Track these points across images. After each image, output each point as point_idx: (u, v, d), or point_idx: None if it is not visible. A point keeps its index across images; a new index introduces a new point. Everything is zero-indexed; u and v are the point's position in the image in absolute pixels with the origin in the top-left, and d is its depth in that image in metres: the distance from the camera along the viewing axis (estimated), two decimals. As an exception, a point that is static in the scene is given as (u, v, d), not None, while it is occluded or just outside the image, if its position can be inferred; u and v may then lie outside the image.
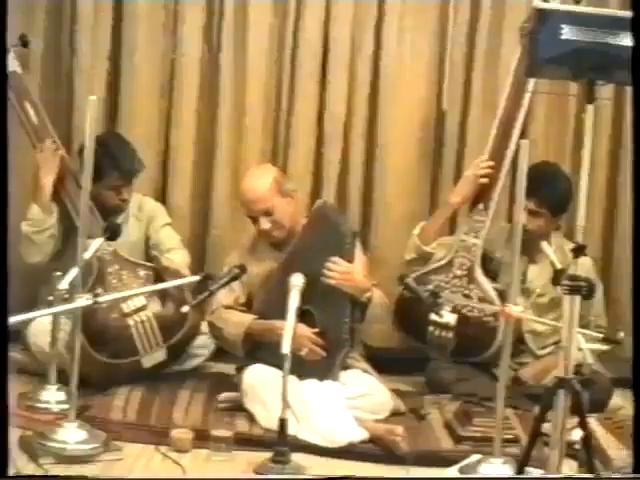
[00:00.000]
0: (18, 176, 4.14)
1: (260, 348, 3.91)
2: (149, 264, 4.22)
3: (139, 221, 4.36)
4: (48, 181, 4.08)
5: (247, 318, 3.98)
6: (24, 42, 4.06)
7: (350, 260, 3.94)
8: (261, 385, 3.77)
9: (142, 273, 4.15)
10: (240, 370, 3.96)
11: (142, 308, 4.07)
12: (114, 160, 4.12)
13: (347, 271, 3.90)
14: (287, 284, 3.71)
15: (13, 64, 3.97)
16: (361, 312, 3.99)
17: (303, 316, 3.82)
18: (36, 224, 4.08)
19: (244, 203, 4.07)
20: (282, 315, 3.62)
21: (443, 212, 4.41)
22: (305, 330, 3.83)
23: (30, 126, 4.10)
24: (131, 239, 4.25)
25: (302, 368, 3.73)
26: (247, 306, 4.07)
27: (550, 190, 4.20)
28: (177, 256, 4.28)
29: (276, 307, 3.75)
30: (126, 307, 4.04)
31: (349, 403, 3.71)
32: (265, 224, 3.98)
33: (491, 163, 4.24)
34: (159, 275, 4.14)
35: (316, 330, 3.86)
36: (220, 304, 4.03)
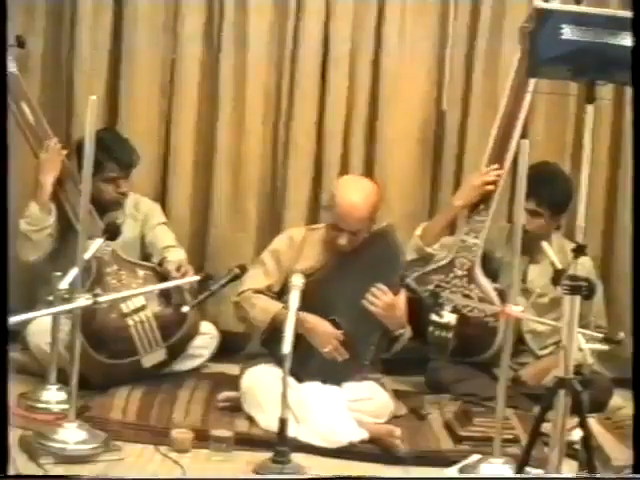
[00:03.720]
0: (18, 176, 4.15)
1: (277, 341, 3.87)
2: (148, 264, 4.23)
3: (135, 220, 4.36)
4: (48, 181, 4.08)
5: (275, 306, 3.88)
6: (20, 43, 4.05)
7: (396, 292, 3.86)
8: (260, 388, 3.75)
9: (141, 273, 4.15)
10: (244, 369, 3.94)
11: (141, 308, 4.07)
12: (110, 152, 4.12)
13: (391, 303, 3.82)
14: (326, 290, 3.65)
15: (10, 65, 3.96)
16: (388, 344, 3.95)
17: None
18: (35, 223, 4.08)
19: (342, 216, 3.84)
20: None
21: (446, 214, 4.40)
22: (332, 329, 3.81)
23: (27, 127, 4.09)
24: (127, 238, 4.24)
25: (313, 376, 3.75)
26: (279, 295, 3.97)
27: (550, 190, 4.20)
28: (173, 254, 4.28)
29: (306, 305, 3.65)
30: (125, 307, 4.04)
31: (350, 406, 3.70)
32: (344, 240, 3.86)
33: (500, 172, 4.23)
34: (159, 275, 4.14)
35: (341, 333, 3.84)
36: (250, 287, 3.95)
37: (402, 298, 3.91)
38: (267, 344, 3.91)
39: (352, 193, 3.87)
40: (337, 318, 3.84)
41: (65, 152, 4.14)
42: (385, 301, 3.81)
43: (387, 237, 3.97)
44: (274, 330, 3.83)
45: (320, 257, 3.96)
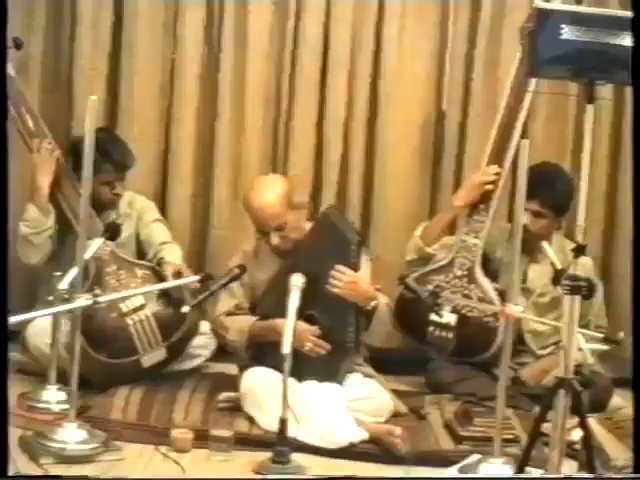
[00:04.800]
0: (18, 178, 4.14)
1: (264, 349, 3.87)
2: (147, 264, 4.22)
3: (130, 218, 4.35)
4: (45, 182, 4.08)
5: (248, 322, 3.94)
6: (18, 44, 4.03)
7: (355, 268, 3.87)
8: (260, 388, 3.75)
9: (140, 273, 4.14)
10: (243, 369, 3.94)
11: (141, 307, 4.07)
12: (107, 154, 4.10)
13: (352, 280, 3.84)
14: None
15: (8, 67, 3.95)
16: (366, 320, 3.95)
17: (307, 321, 3.82)
18: (34, 225, 4.08)
19: (256, 218, 3.93)
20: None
21: (446, 215, 4.40)
22: (306, 326, 3.81)
23: (25, 130, 4.09)
24: (122, 237, 4.21)
25: (305, 374, 3.74)
26: (250, 311, 4.03)
27: (553, 191, 4.20)
28: (170, 252, 4.27)
29: (281, 311, 3.68)
30: (125, 307, 4.04)
31: (350, 405, 3.70)
32: (275, 239, 3.89)
33: (499, 170, 4.23)
34: (157, 274, 4.14)
35: (317, 328, 3.84)
36: (220, 312, 4.00)
37: (364, 271, 3.92)
38: (256, 356, 3.93)
39: (258, 194, 3.91)
40: (312, 312, 3.84)
41: (58, 152, 4.13)
42: (346, 280, 3.83)
43: (330, 219, 4.00)
44: (256, 344, 3.89)
45: (276, 261, 3.98)
